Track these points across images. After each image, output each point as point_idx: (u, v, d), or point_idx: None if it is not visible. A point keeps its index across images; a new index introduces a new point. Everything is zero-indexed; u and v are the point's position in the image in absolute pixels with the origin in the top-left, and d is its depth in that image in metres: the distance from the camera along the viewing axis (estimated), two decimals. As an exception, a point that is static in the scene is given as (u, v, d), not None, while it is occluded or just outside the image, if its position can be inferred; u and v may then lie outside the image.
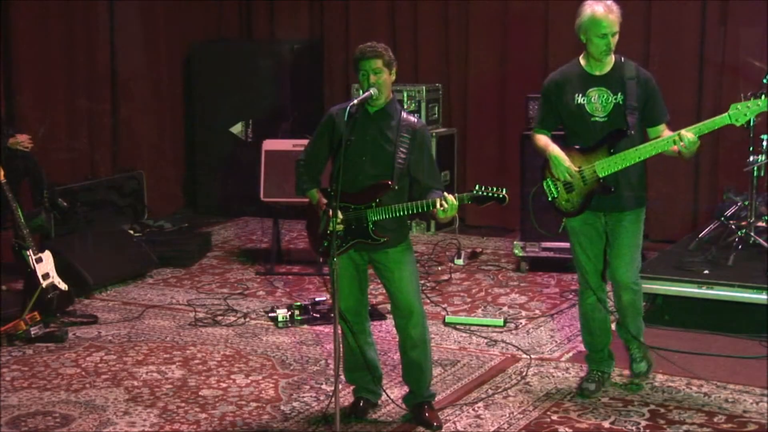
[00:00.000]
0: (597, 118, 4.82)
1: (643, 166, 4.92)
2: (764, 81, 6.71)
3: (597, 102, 4.82)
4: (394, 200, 4.57)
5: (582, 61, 4.89)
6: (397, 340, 4.87)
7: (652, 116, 4.86)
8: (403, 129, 4.60)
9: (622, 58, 4.87)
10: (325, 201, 4.66)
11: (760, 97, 4.69)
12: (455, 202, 4.46)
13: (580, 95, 4.85)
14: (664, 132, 4.82)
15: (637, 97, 4.78)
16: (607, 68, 4.84)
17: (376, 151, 4.60)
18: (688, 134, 4.62)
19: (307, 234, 4.92)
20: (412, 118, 4.67)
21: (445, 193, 4.49)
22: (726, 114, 4.61)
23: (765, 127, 6.94)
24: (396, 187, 4.57)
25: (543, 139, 4.99)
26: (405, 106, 8.60)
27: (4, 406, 5.04)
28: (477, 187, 4.52)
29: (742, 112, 4.58)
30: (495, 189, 4.50)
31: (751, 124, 4.65)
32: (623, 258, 4.96)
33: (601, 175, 4.80)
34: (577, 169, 4.83)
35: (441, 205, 4.46)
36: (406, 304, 4.70)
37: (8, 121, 7.54)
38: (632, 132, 4.76)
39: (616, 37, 4.76)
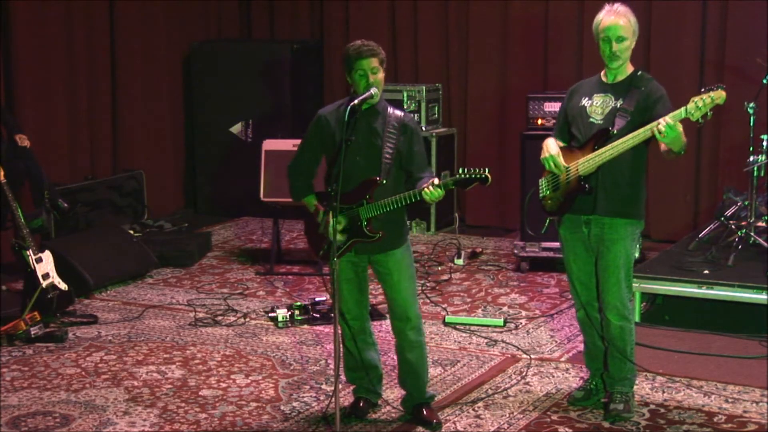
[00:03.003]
0: (593, 120, 4.75)
1: (634, 176, 4.72)
2: (764, 81, 6.72)
3: (598, 105, 4.76)
4: (387, 196, 4.52)
5: (603, 70, 4.82)
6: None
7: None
8: (389, 124, 4.58)
9: (639, 72, 4.76)
10: (322, 206, 4.65)
11: (716, 90, 4.43)
12: (440, 191, 4.39)
13: (586, 98, 4.80)
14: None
15: (636, 105, 4.65)
16: (621, 77, 4.75)
17: (369, 149, 4.57)
18: (666, 120, 4.41)
19: (306, 239, 4.89)
20: (399, 112, 4.64)
21: (426, 187, 4.41)
22: (683, 108, 4.42)
23: (765, 127, 6.95)
24: (384, 182, 4.53)
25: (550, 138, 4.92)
26: (405, 106, 8.60)
27: (4, 406, 5.04)
28: (460, 171, 4.44)
29: (697, 105, 4.36)
30: (477, 170, 4.40)
31: (705, 119, 4.33)
32: (606, 280, 4.75)
33: (581, 173, 4.69)
34: (565, 165, 4.74)
35: (428, 192, 4.39)
36: (403, 308, 4.70)
37: (8, 118, 7.53)
38: (615, 132, 4.62)
39: (626, 43, 4.64)
